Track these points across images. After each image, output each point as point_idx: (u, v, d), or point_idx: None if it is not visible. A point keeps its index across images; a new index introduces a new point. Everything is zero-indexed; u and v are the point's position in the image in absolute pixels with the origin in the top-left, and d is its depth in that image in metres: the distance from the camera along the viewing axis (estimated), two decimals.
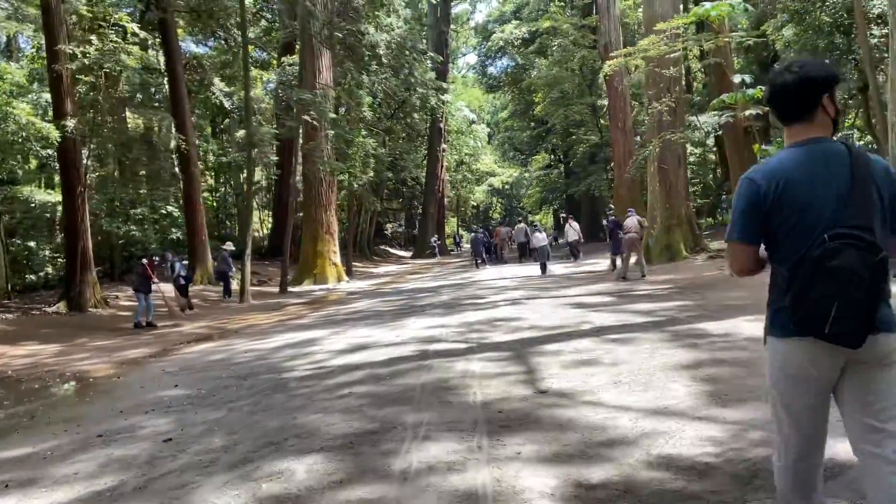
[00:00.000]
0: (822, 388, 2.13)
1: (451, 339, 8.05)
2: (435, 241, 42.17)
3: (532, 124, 45.18)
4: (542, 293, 13.03)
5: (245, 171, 18.43)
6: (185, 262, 18.82)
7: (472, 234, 37.86)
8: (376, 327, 9.88)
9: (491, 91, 52.15)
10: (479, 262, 26.12)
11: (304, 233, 24.39)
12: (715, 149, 29.31)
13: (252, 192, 18.02)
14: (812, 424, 2.17)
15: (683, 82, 18.01)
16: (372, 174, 24.32)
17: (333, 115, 17.17)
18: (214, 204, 34.50)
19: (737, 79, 11.59)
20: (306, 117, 16.22)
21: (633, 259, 16.03)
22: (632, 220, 16.28)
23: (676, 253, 17.68)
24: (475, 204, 72.17)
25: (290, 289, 21.92)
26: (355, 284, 23.03)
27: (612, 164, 30.33)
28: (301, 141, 20.66)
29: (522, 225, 30.76)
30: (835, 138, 2.17)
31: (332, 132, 18.19)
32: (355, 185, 25.41)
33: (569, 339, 7.41)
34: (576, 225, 23.79)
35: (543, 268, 19.05)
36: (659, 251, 17.89)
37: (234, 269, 19.90)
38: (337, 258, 24.37)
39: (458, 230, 66.04)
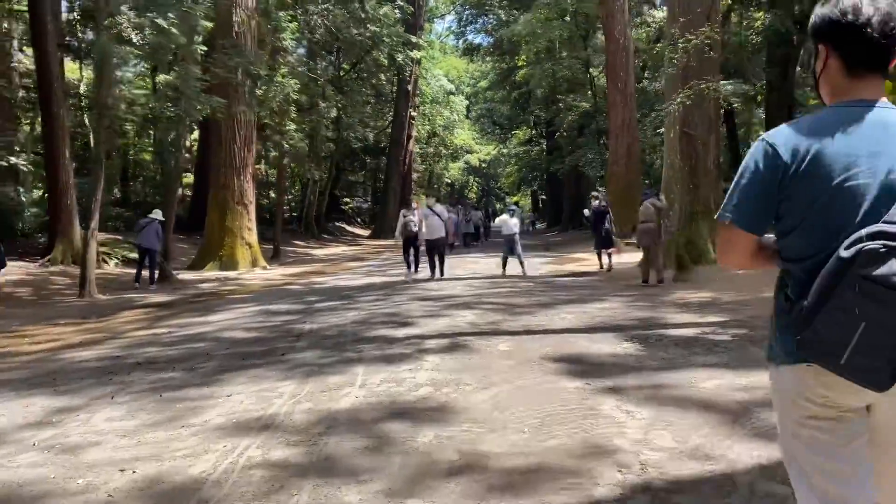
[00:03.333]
0: (857, 428, 1.50)
1: None
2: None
3: (514, 94, 39.83)
4: (507, 318, 7.85)
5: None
6: None
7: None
8: (141, 411, 4.58)
9: (469, 54, 46.57)
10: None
11: (211, 203, 18.94)
12: (724, 123, 24.18)
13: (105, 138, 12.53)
14: (855, 484, 1.50)
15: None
16: (293, 127, 18.81)
17: (206, 23, 11.65)
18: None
19: None
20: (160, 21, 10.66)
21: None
22: (646, 205, 11.39)
23: (702, 254, 12.62)
24: (449, 181, 67.07)
25: (185, 275, 16.58)
26: (272, 272, 17.72)
27: (604, 139, 25.18)
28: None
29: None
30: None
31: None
32: (285, 145, 19.89)
33: None
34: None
35: (516, 263, 14.11)
36: (677, 250, 12.81)
37: (159, 245, 14.56)
38: (253, 236, 18.97)
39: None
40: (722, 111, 21.54)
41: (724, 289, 9.74)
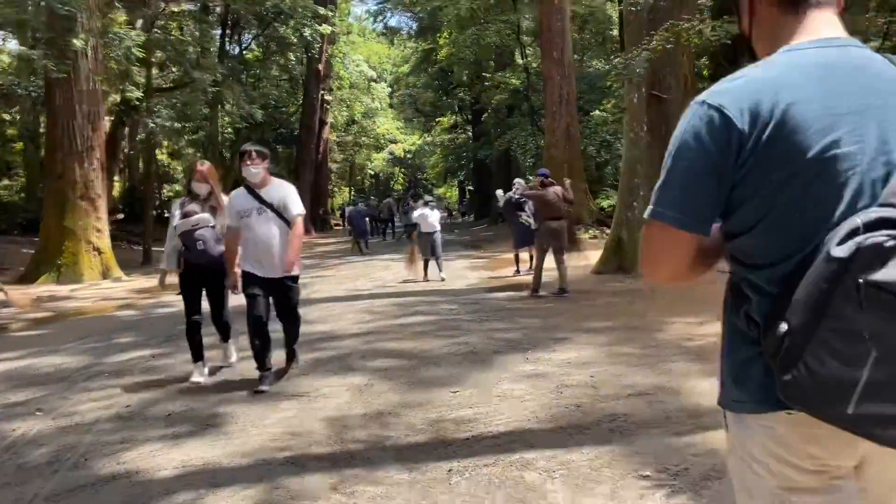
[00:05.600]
0: (850, 489, 1.07)
1: None
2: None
3: (435, 71, 36.45)
4: (408, 397, 4.36)
5: None
6: None
7: (351, 207, 29.21)
8: None
9: (387, 34, 43.13)
10: (362, 243, 21.04)
11: (46, 198, 14.76)
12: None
13: None
14: None
15: None
16: (136, 95, 14.71)
17: None
18: None
19: None
20: None
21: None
22: (552, 192, 8.49)
23: None
24: (373, 173, 63.38)
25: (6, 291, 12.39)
26: (123, 286, 13.68)
27: (539, 119, 22.08)
28: None
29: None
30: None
31: None
32: (150, 123, 15.79)
33: None
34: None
35: (427, 266, 11.31)
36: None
37: None
38: (104, 240, 14.83)
39: (349, 202, 56.84)
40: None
41: (709, 307, 6.57)
